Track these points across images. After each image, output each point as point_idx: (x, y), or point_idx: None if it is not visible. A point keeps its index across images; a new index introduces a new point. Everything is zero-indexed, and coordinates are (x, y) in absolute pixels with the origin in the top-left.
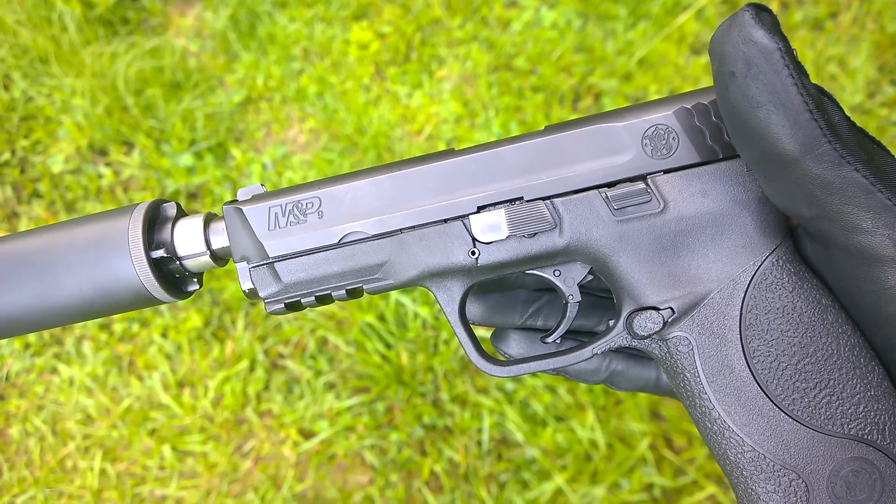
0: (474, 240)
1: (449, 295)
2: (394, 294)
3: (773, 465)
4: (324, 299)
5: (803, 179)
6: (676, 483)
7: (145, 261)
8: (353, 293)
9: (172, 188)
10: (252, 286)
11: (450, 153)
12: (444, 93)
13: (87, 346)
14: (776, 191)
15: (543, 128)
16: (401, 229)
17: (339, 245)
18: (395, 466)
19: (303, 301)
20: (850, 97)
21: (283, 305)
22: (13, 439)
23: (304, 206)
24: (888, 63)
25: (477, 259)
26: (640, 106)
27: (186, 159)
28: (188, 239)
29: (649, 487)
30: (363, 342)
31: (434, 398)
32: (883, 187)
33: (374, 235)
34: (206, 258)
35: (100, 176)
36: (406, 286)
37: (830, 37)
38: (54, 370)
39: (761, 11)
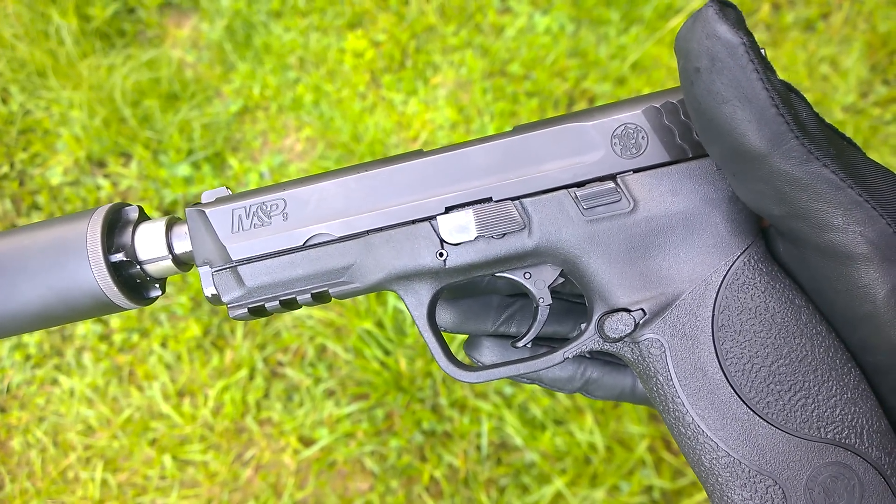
0: (442, 241)
1: (417, 298)
2: (392, 300)
3: (749, 471)
4: (289, 304)
5: (771, 176)
6: (675, 485)
7: (104, 265)
8: (320, 297)
9: (170, 198)
10: (215, 291)
11: (418, 154)
12: (440, 99)
13: (87, 357)
14: (745, 189)
15: (512, 128)
16: (367, 231)
17: (304, 247)
18: (395, 472)
19: (267, 306)
20: (842, 97)
21: (246, 310)
22: (14, 451)
23: (269, 208)
24: (880, 62)
25: (445, 261)
26: (609, 105)
27: (184, 169)
28: (149, 243)
29: (649, 490)
30: (362, 349)
31: (433, 404)
32: (853, 183)
33: (340, 237)
34: (168, 262)
35: (98, 187)
36: (373, 290)
37: (822, 37)
38: (55, 381)
39: (725, 7)
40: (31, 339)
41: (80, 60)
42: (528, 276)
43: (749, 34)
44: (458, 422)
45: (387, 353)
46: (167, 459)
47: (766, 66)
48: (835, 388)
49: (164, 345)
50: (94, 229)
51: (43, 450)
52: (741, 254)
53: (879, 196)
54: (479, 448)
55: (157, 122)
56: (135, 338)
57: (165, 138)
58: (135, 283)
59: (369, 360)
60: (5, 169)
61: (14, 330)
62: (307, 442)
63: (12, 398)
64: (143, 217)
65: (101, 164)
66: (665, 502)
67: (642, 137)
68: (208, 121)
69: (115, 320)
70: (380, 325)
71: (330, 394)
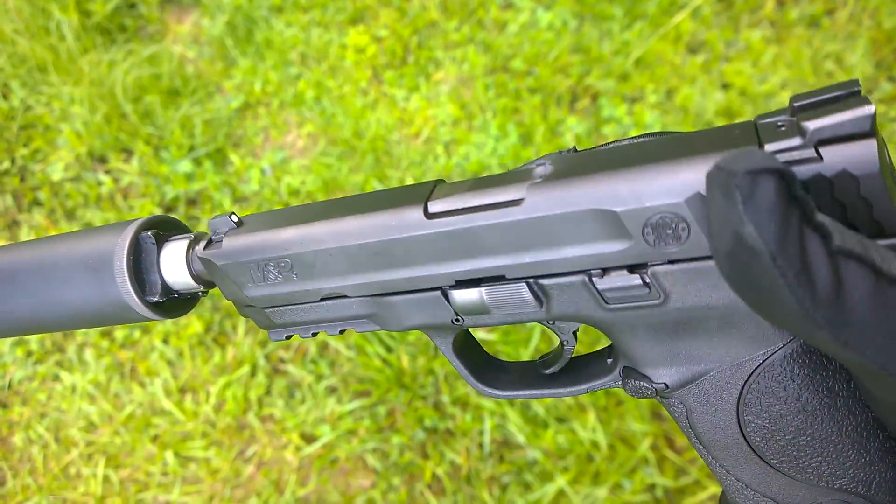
0: (456, 312)
1: (441, 337)
2: None
3: (755, 496)
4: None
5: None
6: (678, 483)
7: (147, 309)
8: (348, 332)
9: (172, 195)
10: (249, 318)
11: (421, 216)
12: (442, 95)
13: (88, 354)
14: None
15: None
16: (381, 294)
17: (321, 301)
18: (397, 470)
19: (301, 335)
20: None
21: (284, 337)
22: (16, 447)
23: (279, 266)
24: (885, 59)
25: (462, 324)
26: (642, 167)
27: (185, 166)
28: (177, 276)
29: (651, 488)
30: (364, 346)
31: (435, 401)
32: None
33: (353, 295)
34: (202, 287)
35: (99, 183)
36: (398, 331)
37: (827, 34)
38: (57, 378)
39: (757, 186)
40: (33, 336)
41: (80, 56)
42: (551, 323)
43: (786, 217)
44: (460, 419)
45: (389, 350)
46: (169, 456)
47: (803, 265)
48: (854, 455)
49: (165, 341)
50: (123, 278)
51: (45, 446)
52: (784, 345)
53: None
54: (481, 446)
55: (159, 117)
56: (136, 334)
57: (167, 134)
58: (176, 303)
59: (371, 357)
60: (6, 165)
61: (40, 330)
62: (309, 439)
63: (14, 394)
64: (161, 240)
65: (103, 160)
66: (668, 500)
67: (682, 229)
68: (209, 117)
69: None
70: None
71: (332, 391)
